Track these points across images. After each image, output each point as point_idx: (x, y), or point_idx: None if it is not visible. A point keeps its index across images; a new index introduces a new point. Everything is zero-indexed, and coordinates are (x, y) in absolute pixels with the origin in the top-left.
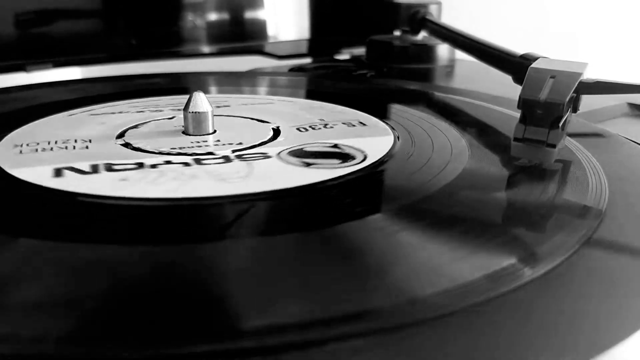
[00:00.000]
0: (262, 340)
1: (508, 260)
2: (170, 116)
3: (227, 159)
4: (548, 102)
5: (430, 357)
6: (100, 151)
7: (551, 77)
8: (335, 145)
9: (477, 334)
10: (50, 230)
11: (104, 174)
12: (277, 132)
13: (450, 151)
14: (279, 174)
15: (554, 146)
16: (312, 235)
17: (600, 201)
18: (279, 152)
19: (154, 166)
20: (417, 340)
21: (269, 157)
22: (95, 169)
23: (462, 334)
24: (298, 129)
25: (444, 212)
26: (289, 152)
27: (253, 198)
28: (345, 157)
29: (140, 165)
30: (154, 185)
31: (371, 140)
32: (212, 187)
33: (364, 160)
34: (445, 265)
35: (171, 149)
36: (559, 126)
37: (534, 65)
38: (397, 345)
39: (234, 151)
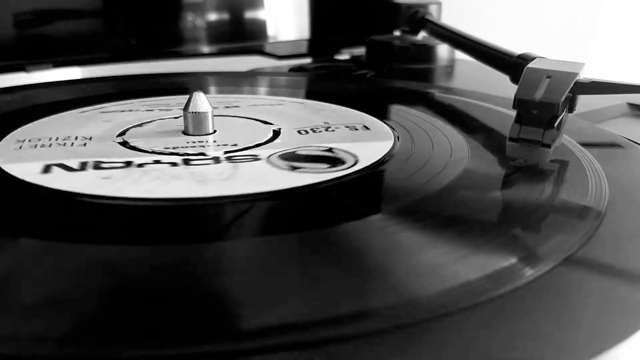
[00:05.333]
0: (261, 341)
1: (508, 261)
2: (177, 115)
3: (216, 160)
4: (543, 102)
5: (430, 357)
6: (96, 149)
7: (547, 77)
8: (330, 150)
9: (477, 334)
10: (28, 227)
11: (90, 172)
12: (277, 134)
13: (451, 151)
14: (261, 177)
15: (549, 146)
16: (309, 236)
17: (600, 201)
18: (270, 155)
19: (140, 165)
20: (417, 340)
21: (258, 159)
22: (83, 167)
23: (461, 334)
24: (299, 131)
25: (444, 212)
26: (280, 155)
27: (234, 200)
28: (335, 162)
29: (128, 164)
30: (135, 184)
31: (369, 144)
32: (190, 189)
33: (354, 164)
34: (445, 265)
35: (164, 148)
36: (554, 126)
37: (530, 65)
38: (396, 345)
39: (226, 152)
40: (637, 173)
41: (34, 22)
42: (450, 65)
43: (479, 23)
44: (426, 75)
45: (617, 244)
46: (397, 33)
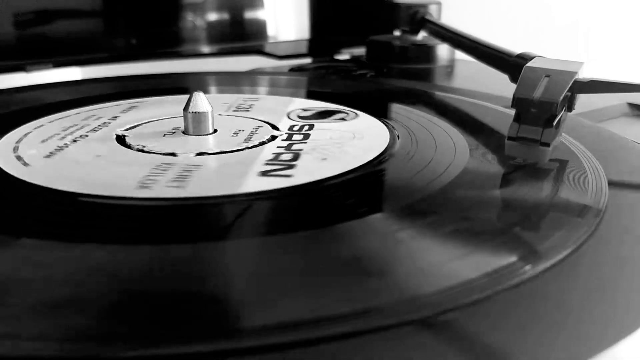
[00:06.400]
0: (262, 340)
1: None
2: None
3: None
4: (542, 101)
5: (431, 355)
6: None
7: (546, 76)
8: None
9: (477, 332)
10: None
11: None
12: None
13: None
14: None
15: (547, 145)
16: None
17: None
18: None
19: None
20: (418, 338)
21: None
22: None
23: (461, 332)
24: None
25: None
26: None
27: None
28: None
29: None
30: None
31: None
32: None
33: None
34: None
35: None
36: (552, 125)
37: (529, 64)
38: (397, 344)
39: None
40: (636, 172)
41: (34, 22)
42: (450, 65)
43: (479, 23)
44: (426, 75)
45: (617, 242)
46: (397, 33)
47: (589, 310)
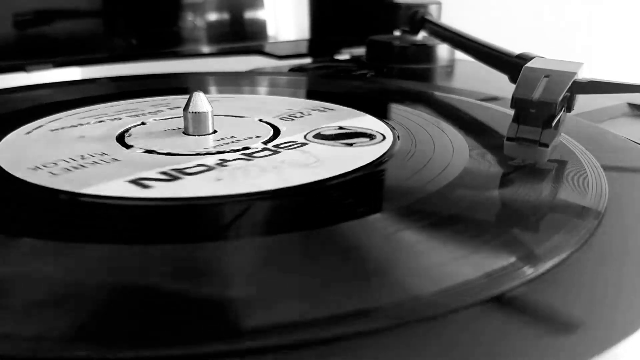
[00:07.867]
0: (262, 341)
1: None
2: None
3: (273, 151)
4: (541, 101)
5: (430, 356)
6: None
7: (545, 77)
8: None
9: (476, 333)
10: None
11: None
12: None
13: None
14: (339, 157)
15: (546, 145)
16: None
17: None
18: (306, 136)
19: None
20: (417, 339)
21: (305, 144)
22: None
23: (460, 333)
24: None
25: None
26: (315, 135)
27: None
28: (368, 136)
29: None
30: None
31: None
32: (304, 174)
33: (383, 139)
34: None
35: (191, 150)
36: (552, 125)
37: (528, 64)
38: (397, 344)
39: (265, 143)
40: (637, 173)
41: (34, 22)
42: (450, 65)
43: (479, 23)
44: (426, 75)
45: (617, 243)
46: (397, 33)
47: (589, 311)
